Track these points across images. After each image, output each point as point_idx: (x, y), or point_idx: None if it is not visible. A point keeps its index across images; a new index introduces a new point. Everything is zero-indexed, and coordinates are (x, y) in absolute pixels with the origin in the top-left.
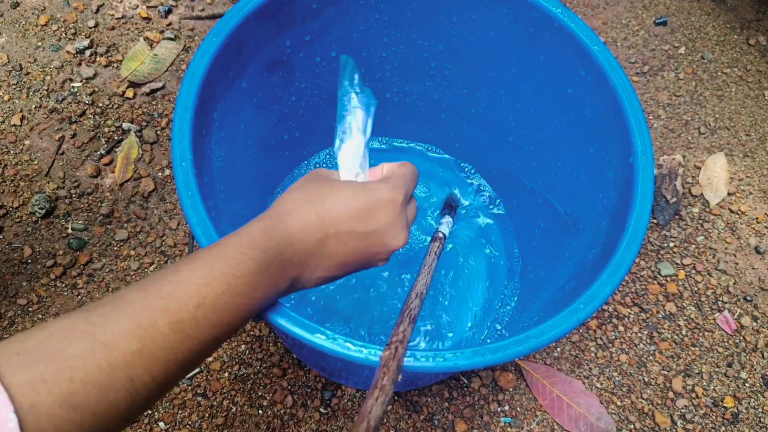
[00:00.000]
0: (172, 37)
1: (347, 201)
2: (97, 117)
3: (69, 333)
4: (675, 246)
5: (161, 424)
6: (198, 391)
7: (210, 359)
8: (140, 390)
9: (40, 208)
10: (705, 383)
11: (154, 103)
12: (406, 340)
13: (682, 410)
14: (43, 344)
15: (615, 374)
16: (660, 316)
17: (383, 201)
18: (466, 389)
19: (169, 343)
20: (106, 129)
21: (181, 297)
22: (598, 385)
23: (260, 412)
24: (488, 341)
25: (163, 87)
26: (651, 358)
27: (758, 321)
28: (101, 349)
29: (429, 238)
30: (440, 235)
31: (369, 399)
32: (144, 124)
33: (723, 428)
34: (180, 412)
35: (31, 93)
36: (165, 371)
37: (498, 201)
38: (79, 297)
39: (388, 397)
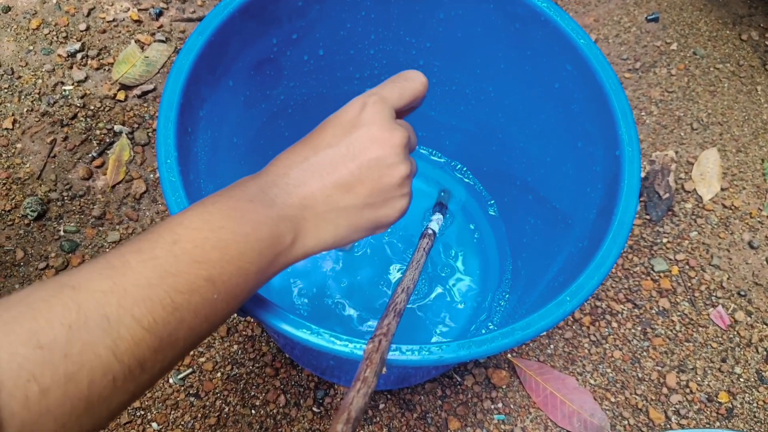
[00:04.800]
0: (164, 39)
1: (323, 126)
2: (88, 120)
3: (35, 286)
4: (668, 242)
5: (154, 424)
6: (190, 392)
7: (203, 359)
8: (122, 332)
9: (32, 211)
10: (699, 379)
11: (145, 105)
12: (390, 334)
13: (677, 406)
14: (7, 300)
15: (608, 370)
16: (653, 312)
17: (354, 105)
18: (459, 387)
19: (146, 279)
20: (98, 131)
21: (153, 237)
22: (592, 382)
23: (253, 411)
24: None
25: (154, 89)
26: (645, 354)
27: (752, 316)
28: (68, 291)
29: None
30: (429, 231)
31: (351, 391)
32: (135, 126)
33: (717, 423)
34: (173, 412)
35: (23, 96)
36: (150, 312)
37: (491, 202)
38: None
39: (370, 389)
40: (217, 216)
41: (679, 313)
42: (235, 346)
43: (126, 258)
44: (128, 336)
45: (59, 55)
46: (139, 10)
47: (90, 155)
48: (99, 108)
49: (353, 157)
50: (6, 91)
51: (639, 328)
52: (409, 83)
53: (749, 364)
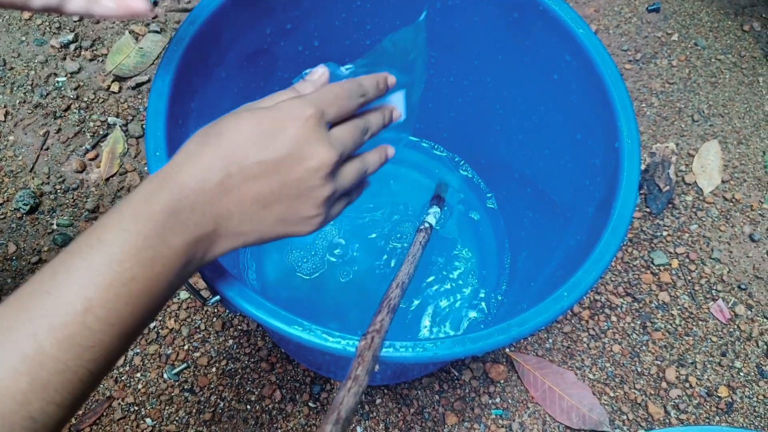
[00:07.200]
0: (158, 30)
1: (248, 127)
2: (82, 111)
3: None
4: (668, 235)
5: (148, 420)
6: (185, 387)
7: (197, 354)
8: (46, 420)
9: (24, 204)
10: (699, 373)
11: (139, 96)
12: (383, 330)
13: (676, 400)
14: None
15: (608, 365)
16: (653, 305)
17: (290, 116)
18: (456, 382)
19: (64, 364)
20: (92, 123)
21: (64, 307)
22: (591, 376)
23: (248, 407)
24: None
25: (148, 80)
26: (644, 348)
27: (753, 310)
28: None
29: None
30: (426, 225)
31: (342, 389)
32: (130, 118)
33: (717, 418)
34: (167, 408)
35: (15, 88)
36: (71, 392)
37: (490, 195)
38: None
39: (361, 388)
40: (128, 264)
41: (678, 307)
42: (231, 341)
43: (39, 342)
44: (51, 420)
45: (52, 46)
46: None
47: (83, 147)
48: (93, 100)
49: (278, 173)
50: None
51: (638, 322)
52: (348, 103)
53: (749, 359)
